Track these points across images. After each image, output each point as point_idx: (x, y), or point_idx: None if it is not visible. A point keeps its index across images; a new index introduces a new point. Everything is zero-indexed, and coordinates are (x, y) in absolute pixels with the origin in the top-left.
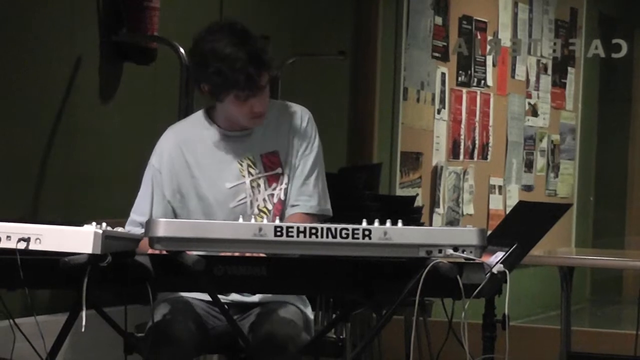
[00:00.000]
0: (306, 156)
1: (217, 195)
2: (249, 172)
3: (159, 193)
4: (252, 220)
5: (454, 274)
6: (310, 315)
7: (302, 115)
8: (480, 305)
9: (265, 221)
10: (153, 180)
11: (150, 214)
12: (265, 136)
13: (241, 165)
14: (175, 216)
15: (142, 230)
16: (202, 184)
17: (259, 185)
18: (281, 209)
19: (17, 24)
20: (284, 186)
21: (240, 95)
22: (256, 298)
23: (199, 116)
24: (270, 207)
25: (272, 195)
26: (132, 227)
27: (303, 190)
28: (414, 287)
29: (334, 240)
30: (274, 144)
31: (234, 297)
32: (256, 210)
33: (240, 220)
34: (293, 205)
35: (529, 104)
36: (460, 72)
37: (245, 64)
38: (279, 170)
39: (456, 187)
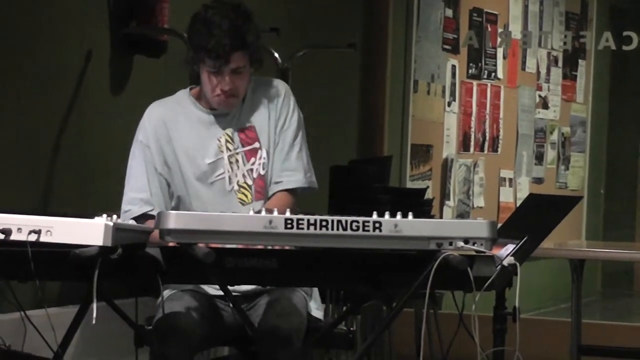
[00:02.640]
0: (285, 131)
1: (195, 171)
2: (227, 148)
3: (152, 168)
4: (234, 196)
5: (465, 266)
6: (317, 294)
7: (278, 89)
8: (491, 298)
9: (247, 198)
10: (144, 154)
11: (149, 189)
12: (241, 112)
13: (219, 141)
14: (169, 188)
15: (144, 207)
16: (183, 159)
17: (237, 160)
18: (263, 185)
19: (28, 17)
20: (262, 161)
21: (208, 63)
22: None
23: (182, 94)
24: (250, 182)
25: (252, 170)
26: (132, 205)
27: (286, 166)
28: (424, 280)
29: (345, 232)
30: (250, 120)
31: (243, 287)
32: (236, 186)
33: (252, 212)
34: (276, 182)
35: (540, 96)
36: (471, 64)
37: (222, 32)
38: (257, 144)
39: (466, 180)
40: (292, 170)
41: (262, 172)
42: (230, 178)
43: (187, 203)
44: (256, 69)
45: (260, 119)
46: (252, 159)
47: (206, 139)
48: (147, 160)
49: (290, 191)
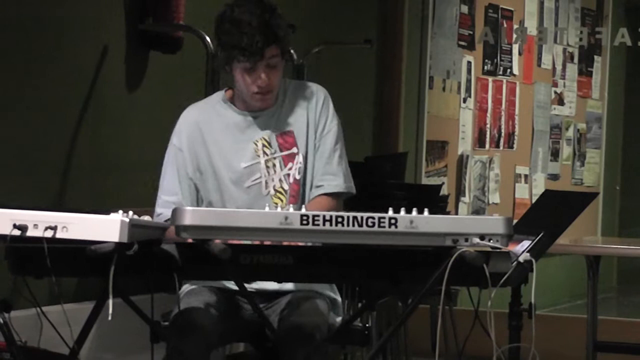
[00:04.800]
0: (325, 135)
1: (232, 174)
2: (264, 152)
3: (183, 172)
4: (269, 201)
5: (480, 262)
6: (338, 297)
7: (317, 93)
8: (507, 294)
9: (282, 202)
10: (176, 159)
11: (181, 192)
12: (280, 116)
13: (256, 145)
14: (198, 193)
15: None
16: (218, 163)
17: (274, 165)
18: (297, 189)
19: (44, 13)
20: (298, 165)
21: (242, 60)
22: (283, 287)
23: (217, 96)
24: (286, 187)
25: (288, 175)
26: (165, 208)
27: (327, 170)
28: (440, 276)
29: (360, 228)
30: (288, 124)
31: (260, 285)
32: (272, 191)
33: (267, 209)
34: (318, 186)
35: (555, 92)
36: (486, 60)
37: (254, 30)
38: (295, 150)
39: (482, 176)
40: (333, 175)
41: (297, 177)
42: (266, 182)
43: (221, 207)
44: (286, 61)
45: (299, 123)
46: (290, 164)
47: (242, 142)
48: (179, 164)
49: (331, 195)
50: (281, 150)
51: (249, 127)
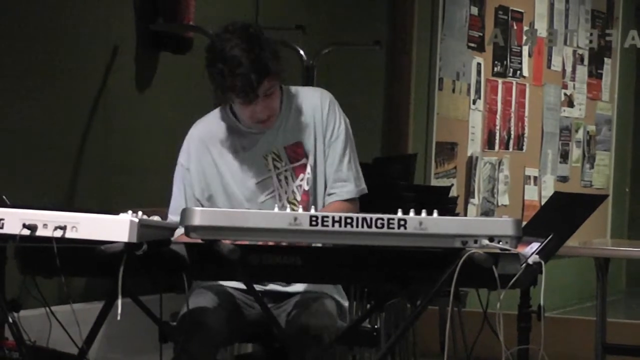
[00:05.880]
0: (334, 142)
1: (245, 191)
2: (275, 166)
3: (190, 192)
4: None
5: (490, 264)
6: (346, 303)
7: (322, 100)
8: (515, 296)
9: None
10: (183, 179)
11: None
12: (287, 128)
13: (266, 159)
14: None
15: (180, 230)
16: (229, 181)
17: (286, 177)
18: (307, 199)
19: (54, 13)
20: (307, 175)
21: (238, 100)
22: (292, 288)
23: (221, 112)
24: (299, 197)
25: (300, 186)
26: None
27: (337, 177)
28: (449, 278)
29: (369, 230)
30: (296, 135)
31: (269, 286)
32: (286, 203)
33: (276, 209)
34: (330, 194)
35: (565, 94)
36: (496, 62)
37: (246, 69)
38: (304, 160)
39: (491, 178)
40: (344, 181)
41: (306, 188)
42: (280, 195)
43: None
44: (282, 80)
45: (306, 133)
46: (301, 175)
47: (252, 158)
48: (186, 184)
49: (345, 200)
50: (291, 162)
51: (257, 142)
